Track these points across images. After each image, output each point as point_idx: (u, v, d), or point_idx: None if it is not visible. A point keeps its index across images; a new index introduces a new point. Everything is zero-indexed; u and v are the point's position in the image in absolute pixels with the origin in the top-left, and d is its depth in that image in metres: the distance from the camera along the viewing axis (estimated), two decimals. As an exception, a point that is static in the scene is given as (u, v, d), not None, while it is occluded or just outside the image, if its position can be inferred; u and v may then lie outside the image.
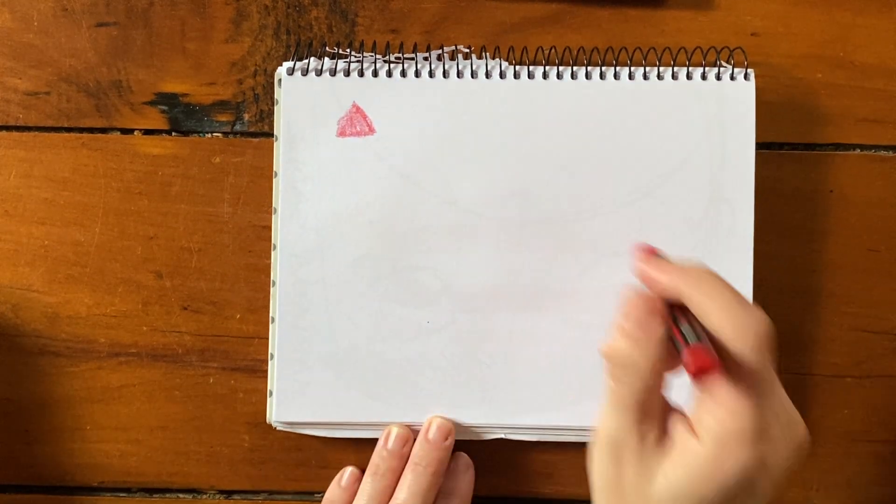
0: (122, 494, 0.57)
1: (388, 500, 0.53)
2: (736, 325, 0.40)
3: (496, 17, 0.56)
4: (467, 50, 0.56)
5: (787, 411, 0.41)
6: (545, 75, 0.54)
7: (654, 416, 0.42)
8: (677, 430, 0.41)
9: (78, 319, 0.56)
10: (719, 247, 0.53)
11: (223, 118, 0.56)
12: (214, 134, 0.56)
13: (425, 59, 0.55)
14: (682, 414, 0.42)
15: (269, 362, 0.54)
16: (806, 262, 0.56)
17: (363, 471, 0.54)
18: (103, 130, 0.56)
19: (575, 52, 0.55)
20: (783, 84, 0.56)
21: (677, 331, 0.41)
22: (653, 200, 0.53)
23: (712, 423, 0.40)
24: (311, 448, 0.56)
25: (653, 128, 0.51)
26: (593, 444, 0.43)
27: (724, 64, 0.54)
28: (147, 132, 0.56)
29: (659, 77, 0.54)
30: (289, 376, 0.54)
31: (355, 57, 0.54)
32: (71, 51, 0.56)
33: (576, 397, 0.54)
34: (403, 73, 0.54)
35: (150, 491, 0.57)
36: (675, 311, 0.42)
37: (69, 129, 0.56)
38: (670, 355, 0.42)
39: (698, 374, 0.39)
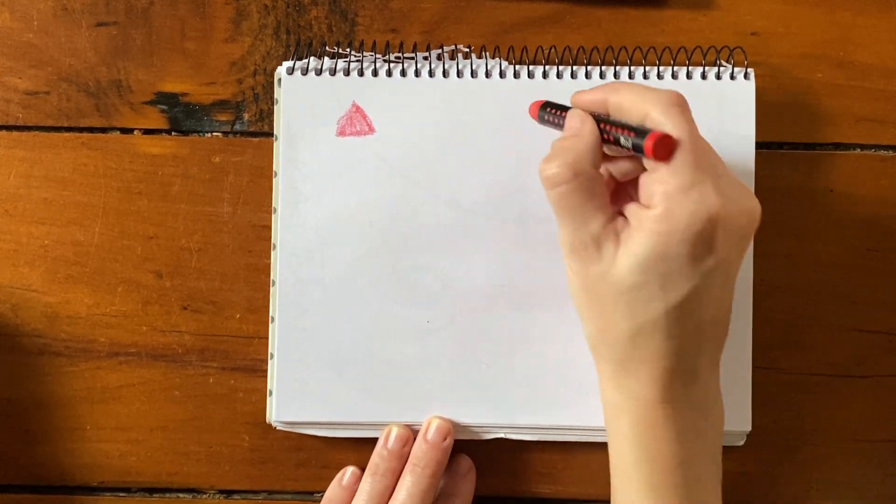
0: (122, 494, 0.57)
1: (388, 501, 0.53)
2: (652, 101, 0.44)
3: (496, 16, 0.56)
4: (467, 50, 0.56)
5: (737, 182, 0.45)
6: (545, 75, 0.54)
7: (602, 212, 0.45)
8: (631, 211, 0.45)
9: (78, 319, 0.56)
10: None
11: (223, 118, 0.56)
12: (214, 133, 0.56)
13: (425, 58, 0.55)
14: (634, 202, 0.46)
15: (269, 362, 0.54)
16: (806, 261, 0.56)
17: (364, 470, 0.54)
18: (103, 130, 0.56)
19: (575, 52, 0.55)
20: (783, 84, 0.56)
21: (610, 138, 0.45)
22: (653, 200, 0.53)
23: (658, 187, 0.43)
24: (311, 448, 0.56)
25: (653, 128, 0.51)
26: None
27: (723, 64, 0.54)
28: (147, 132, 0.56)
29: (659, 77, 0.54)
30: (289, 376, 0.54)
31: (355, 57, 0.54)
32: (71, 51, 0.56)
33: (575, 397, 0.54)
34: (403, 73, 0.54)
35: (150, 491, 0.57)
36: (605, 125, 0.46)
37: (69, 129, 0.56)
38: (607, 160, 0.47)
39: (663, 154, 0.43)
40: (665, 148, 0.43)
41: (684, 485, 0.46)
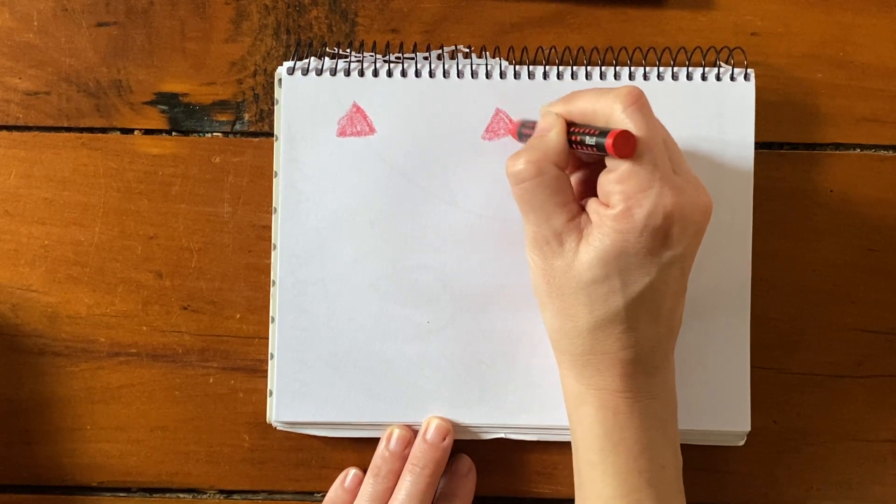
0: (122, 494, 0.57)
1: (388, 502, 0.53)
2: (611, 102, 0.45)
3: (496, 17, 0.56)
4: (467, 50, 0.56)
5: (692, 177, 0.47)
6: (545, 75, 0.54)
7: (565, 209, 0.46)
8: (592, 208, 0.46)
9: (78, 319, 0.56)
10: (718, 246, 0.54)
11: (223, 118, 0.56)
12: (214, 134, 0.56)
13: (425, 59, 0.55)
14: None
15: (269, 362, 0.54)
16: (806, 261, 0.56)
17: (365, 471, 0.54)
18: (103, 130, 0.56)
19: (575, 52, 0.55)
20: (783, 84, 0.56)
21: (577, 139, 0.46)
22: (653, 200, 0.53)
23: (616, 187, 0.45)
24: (311, 448, 0.56)
25: (653, 128, 0.51)
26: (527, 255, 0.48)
27: (723, 64, 0.54)
28: (147, 132, 0.56)
29: (659, 77, 0.54)
30: (289, 376, 0.54)
31: (355, 57, 0.54)
32: (71, 51, 0.56)
33: (576, 397, 0.54)
34: (403, 73, 0.54)
35: (150, 491, 0.57)
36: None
37: (69, 129, 0.56)
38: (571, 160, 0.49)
39: (624, 151, 0.44)
40: (626, 144, 0.44)
41: (649, 469, 0.47)
